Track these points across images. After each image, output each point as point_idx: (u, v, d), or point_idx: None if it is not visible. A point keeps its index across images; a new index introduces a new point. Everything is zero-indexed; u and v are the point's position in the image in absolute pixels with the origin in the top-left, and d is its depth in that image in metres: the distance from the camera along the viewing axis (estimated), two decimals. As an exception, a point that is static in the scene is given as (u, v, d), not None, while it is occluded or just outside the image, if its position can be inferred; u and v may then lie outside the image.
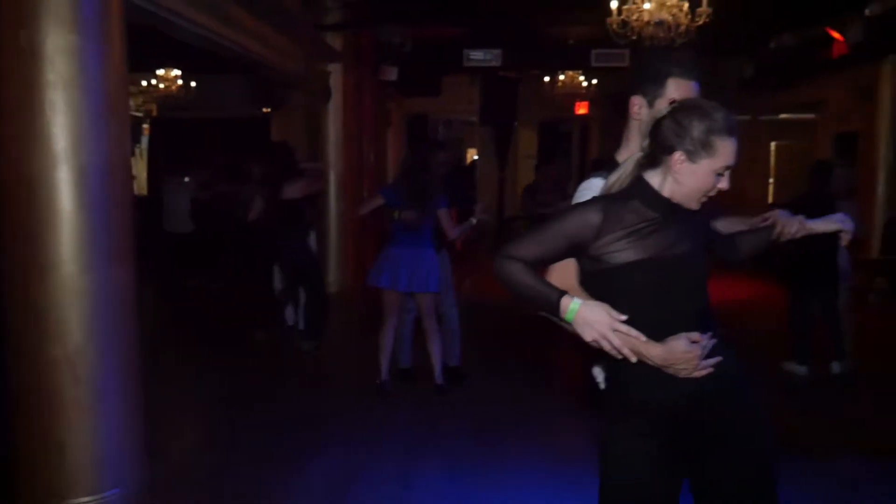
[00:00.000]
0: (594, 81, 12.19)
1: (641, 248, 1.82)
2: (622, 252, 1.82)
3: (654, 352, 1.79)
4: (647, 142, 1.89)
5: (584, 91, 12.22)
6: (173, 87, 11.21)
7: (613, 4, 6.53)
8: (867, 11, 7.62)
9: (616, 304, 1.80)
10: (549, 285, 1.84)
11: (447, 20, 9.50)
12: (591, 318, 1.77)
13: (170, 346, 6.33)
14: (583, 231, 1.82)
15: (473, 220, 5.09)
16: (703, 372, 1.82)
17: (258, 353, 6.34)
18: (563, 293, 1.81)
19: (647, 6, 6.36)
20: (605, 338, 1.77)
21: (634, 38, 6.57)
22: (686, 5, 6.34)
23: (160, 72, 11.01)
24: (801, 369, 5.59)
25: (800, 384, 5.48)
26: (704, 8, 6.20)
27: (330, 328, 6.43)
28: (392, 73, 9.06)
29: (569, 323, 1.80)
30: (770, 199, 12.51)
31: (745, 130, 8.20)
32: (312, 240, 6.57)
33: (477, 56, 9.54)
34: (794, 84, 10.27)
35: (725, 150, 1.80)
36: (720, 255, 2.08)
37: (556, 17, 9.13)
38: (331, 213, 8.52)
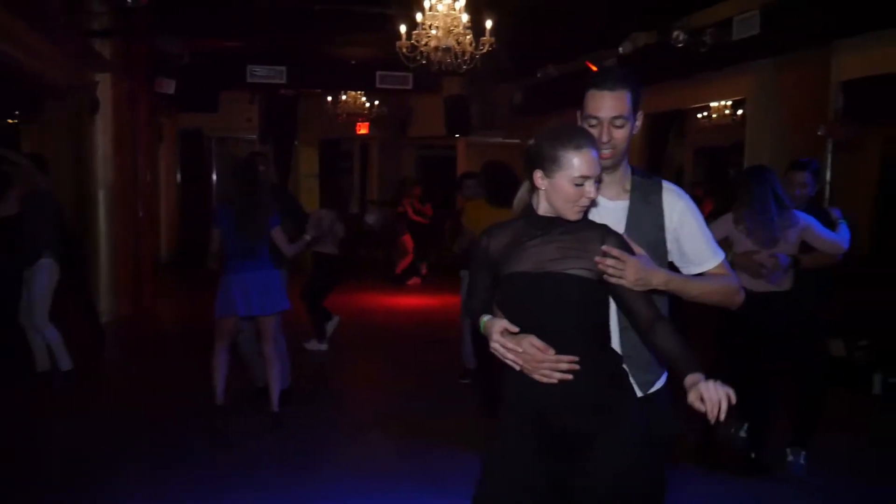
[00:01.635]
0: (376, 102, 12.39)
1: (520, 261, 2.02)
2: (506, 265, 2.05)
3: (509, 344, 1.98)
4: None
5: (366, 111, 12.38)
6: None
7: (402, 28, 6.69)
8: (620, 49, 8.55)
9: (504, 313, 2.05)
10: (483, 310, 2.12)
11: (227, 33, 9.16)
12: (487, 329, 2.05)
13: None
14: (482, 256, 2.12)
15: (307, 237, 5.12)
16: (548, 380, 1.95)
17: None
18: (484, 313, 2.10)
19: (434, 32, 6.60)
20: (493, 345, 2.02)
21: (424, 62, 6.78)
22: (470, 34, 6.67)
23: None
24: None
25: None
26: (487, 38, 6.57)
27: (106, 359, 5.87)
28: (169, 86, 8.52)
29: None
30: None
31: (518, 152, 8.67)
32: (44, 272, 5.34)
33: (260, 72, 9.29)
34: (558, 111, 11.21)
35: (575, 162, 1.94)
36: (614, 299, 2.07)
37: (340, 36, 9.18)
38: (101, 235, 7.79)
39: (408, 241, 11.31)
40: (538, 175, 1.99)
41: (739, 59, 7.26)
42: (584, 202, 1.97)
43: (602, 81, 2.10)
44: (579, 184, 1.94)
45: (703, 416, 1.82)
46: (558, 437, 2.00)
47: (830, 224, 4.07)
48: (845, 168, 7.02)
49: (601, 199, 2.15)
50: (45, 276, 5.34)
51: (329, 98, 12.32)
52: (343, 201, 9.76)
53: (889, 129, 8.74)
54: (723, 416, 1.80)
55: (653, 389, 2.19)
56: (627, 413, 2.02)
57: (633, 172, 2.22)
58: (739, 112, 9.42)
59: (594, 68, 9.35)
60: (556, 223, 2.01)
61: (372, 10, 7.72)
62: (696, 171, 12.88)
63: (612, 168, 2.15)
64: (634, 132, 2.14)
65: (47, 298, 5.36)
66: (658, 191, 2.18)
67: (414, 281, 11.33)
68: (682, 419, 2.24)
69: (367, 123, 13.50)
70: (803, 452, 4.11)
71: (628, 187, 2.19)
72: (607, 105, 2.07)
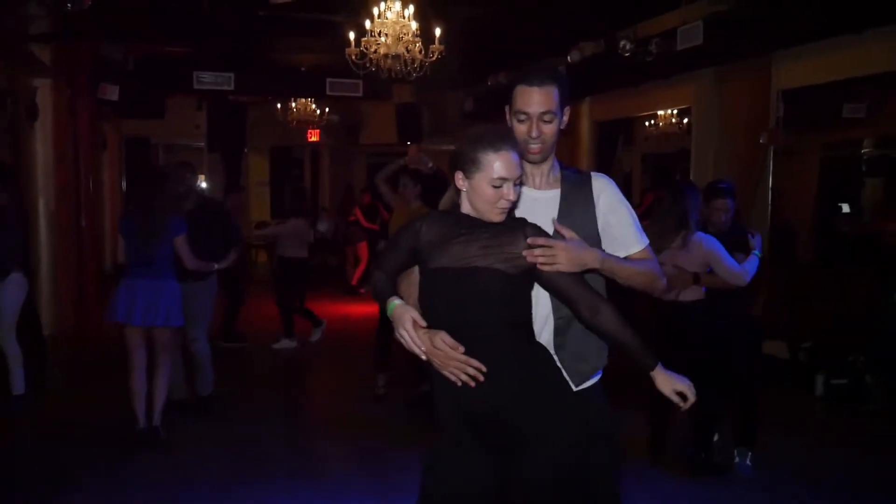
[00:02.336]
0: (327, 109, 12.30)
1: (445, 256, 2.02)
2: (431, 259, 2.05)
3: (423, 337, 1.97)
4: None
5: (316, 118, 12.27)
6: None
7: (351, 35, 6.65)
8: (569, 58, 8.65)
9: (425, 307, 2.03)
10: (392, 290, 2.09)
11: (173, 39, 8.98)
12: (397, 315, 2.02)
13: None
14: (412, 239, 2.09)
15: (232, 256, 5.06)
16: (455, 379, 1.94)
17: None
18: (395, 296, 2.07)
19: (383, 39, 6.57)
20: (401, 333, 2.00)
21: (373, 69, 6.75)
22: (420, 42, 6.67)
23: None
24: None
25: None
26: (437, 45, 6.58)
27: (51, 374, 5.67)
28: (113, 92, 8.29)
29: (389, 318, 2.05)
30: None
31: None
32: (14, 287, 5.06)
33: (207, 78, 9.12)
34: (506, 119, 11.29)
35: (493, 164, 1.98)
36: (552, 292, 2.11)
37: (289, 43, 9.08)
38: (42, 245, 7.53)
39: (362, 248, 11.21)
40: (459, 177, 2.04)
41: (684, 69, 7.42)
42: (504, 204, 2.01)
43: (530, 78, 2.15)
44: (497, 185, 1.98)
45: (651, 414, 1.92)
46: (491, 433, 2.02)
47: (745, 248, 4.13)
48: (786, 174, 7.23)
49: (532, 191, 2.23)
50: (15, 291, 5.07)
51: (279, 105, 12.18)
52: (310, 208, 9.73)
53: (827, 136, 9.04)
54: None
55: (588, 384, 2.23)
56: (560, 409, 2.03)
57: (561, 167, 2.30)
58: (685, 120, 9.61)
59: (543, 76, 9.46)
60: (480, 223, 2.05)
61: (320, 16, 7.66)
62: (643, 178, 13.13)
63: (541, 161, 2.22)
64: (562, 127, 2.20)
65: (16, 314, 5.12)
66: (587, 181, 2.25)
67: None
68: (621, 415, 2.27)
69: (317, 130, 13.40)
70: (749, 453, 4.22)
71: (557, 177, 2.26)
72: (536, 100, 2.12)
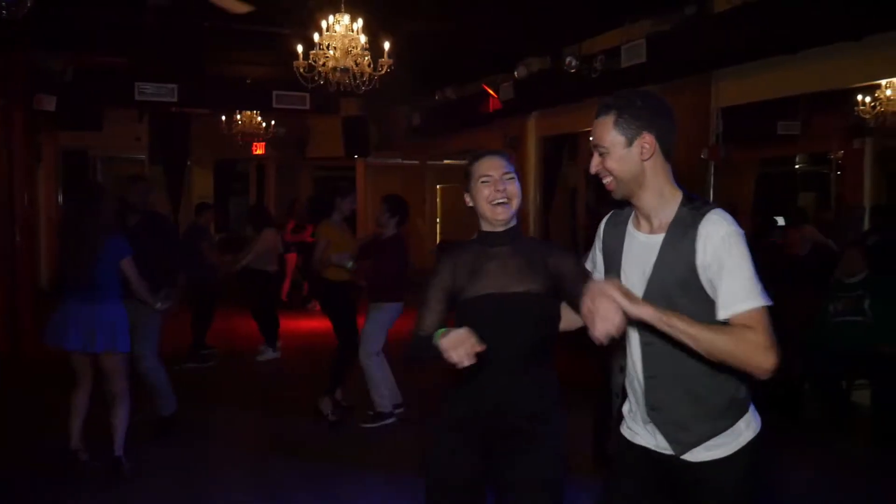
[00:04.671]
0: (273, 122, 12.15)
1: (484, 284, 2.20)
2: (467, 290, 2.21)
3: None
4: None
5: (262, 131, 12.10)
6: None
7: (299, 48, 6.60)
8: (516, 74, 8.78)
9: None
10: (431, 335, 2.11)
11: (113, 49, 8.76)
12: (452, 340, 1.93)
13: None
14: (442, 280, 2.24)
15: (158, 305, 4.62)
16: (457, 363, 1.93)
17: None
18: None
19: (332, 52, 6.54)
20: (457, 354, 1.93)
21: (322, 82, 6.70)
22: (368, 56, 6.66)
23: None
24: None
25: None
26: (386, 59, 6.58)
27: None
28: (49, 103, 8.04)
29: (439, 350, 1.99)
30: (438, 238, 13.63)
31: (416, 174, 8.98)
32: None
33: (149, 90, 8.91)
34: (456, 132, 11.35)
35: (479, 168, 2.27)
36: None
37: (235, 55, 8.97)
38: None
39: (289, 260, 10.99)
40: (466, 198, 2.30)
41: (627, 85, 7.56)
42: (499, 198, 2.20)
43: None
44: (486, 181, 2.22)
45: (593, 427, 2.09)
46: (491, 433, 2.21)
47: None
48: (725, 189, 7.45)
49: (638, 234, 1.99)
50: None
51: (223, 118, 11.97)
52: (276, 220, 9.60)
53: (763, 151, 9.36)
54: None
55: (702, 457, 1.93)
56: (555, 421, 2.25)
57: (686, 203, 1.94)
58: None
59: (491, 91, 9.56)
60: (502, 240, 2.24)
61: (267, 29, 7.58)
62: (588, 192, 13.32)
63: (635, 199, 1.97)
64: (644, 158, 1.91)
65: None
66: (697, 223, 1.87)
67: (313, 304, 11.07)
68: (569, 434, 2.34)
69: (263, 144, 13.21)
70: None
71: (669, 220, 1.93)
72: (593, 133, 1.96)
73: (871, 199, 8.27)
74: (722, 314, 1.81)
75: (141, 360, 4.92)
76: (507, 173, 2.22)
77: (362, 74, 6.73)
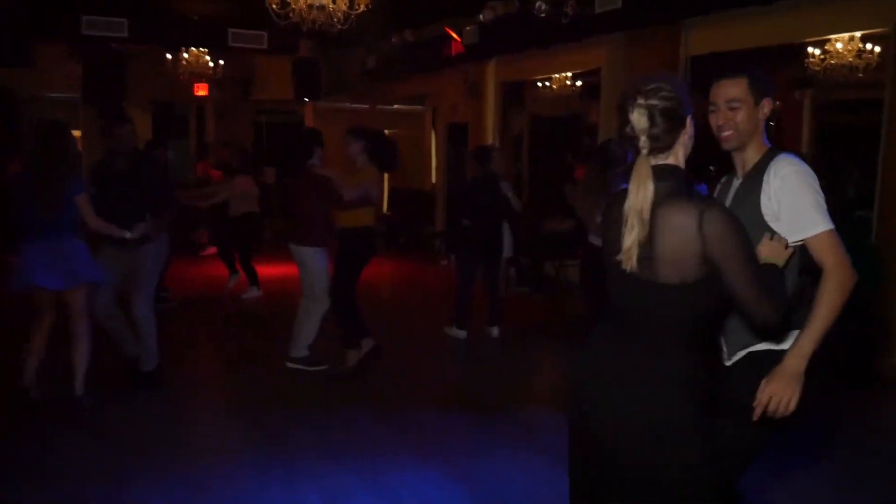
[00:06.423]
0: (221, 62, 11.64)
1: (613, 248, 2.06)
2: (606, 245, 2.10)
3: None
4: None
5: (209, 71, 11.58)
6: None
7: (273, -17, 6.37)
8: (481, 17, 8.70)
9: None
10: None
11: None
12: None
13: None
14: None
15: (127, 234, 4.52)
16: None
17: None
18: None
19: (308, -11, 6.35)
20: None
21: (297, 20, 6.51)
22: (344, -7, 6.49)
23: None
24: (461, 333, 6.25)
25: (460, 347, 6.16)
26: (363, -2, 6.44)
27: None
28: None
29: None
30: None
31: (365, 119, 8.75)
32: None
33: (99, 24, 8.40)
34: (411, 77, 11.17)
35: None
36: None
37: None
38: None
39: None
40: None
41: (599, 32, 7.59)
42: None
43: (721, 73, 2.32)
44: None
45: None
46: (593, 449, 1.93)
47: None
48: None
49: (735, 181, 2.39)
50: None
51: (169, 56, 11.37)
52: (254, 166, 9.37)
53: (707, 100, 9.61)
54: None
55: (735, 357, 2.33)
56: (680, 445, 1.81)
57: (769, 153, 2.29)
58: (578, 83, 9.78)
59: (454, 34, 9.45)
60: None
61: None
62: (532, 139, 13.29)
63: (742, 150, 2.32)
64: (762, 117, 2.28)
65: None
66: (765, 167, 2.25)
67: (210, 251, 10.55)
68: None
69: (206, 85, 12.66)
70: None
71: (749, 167, 2.32)
72: (721, 92, 2.28)
73: (809, 149, 8.72)
74: (791, 239, 2.13)
75: (136, 307, 4.83)
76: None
77: (337, 12, 6.58)
